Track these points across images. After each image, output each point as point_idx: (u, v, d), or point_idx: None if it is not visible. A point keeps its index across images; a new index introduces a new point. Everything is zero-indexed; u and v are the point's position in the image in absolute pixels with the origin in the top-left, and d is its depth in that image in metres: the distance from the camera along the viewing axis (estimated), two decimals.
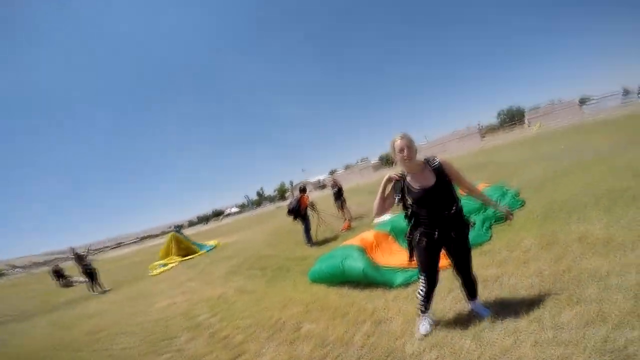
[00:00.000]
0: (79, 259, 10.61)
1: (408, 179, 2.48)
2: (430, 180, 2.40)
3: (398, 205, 2.53)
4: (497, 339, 2.32)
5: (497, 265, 3.64)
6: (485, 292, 3.08)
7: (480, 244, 4.41)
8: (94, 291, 9.54)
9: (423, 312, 2.75)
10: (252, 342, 3.40)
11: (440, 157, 2.52)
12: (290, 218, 8.56)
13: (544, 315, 2.43)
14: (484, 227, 4.91)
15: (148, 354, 3.75)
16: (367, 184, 22.78)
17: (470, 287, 2.75)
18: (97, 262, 13.93)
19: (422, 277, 2.68)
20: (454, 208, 2.42)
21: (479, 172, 11.57)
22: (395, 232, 5.08)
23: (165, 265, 11.62)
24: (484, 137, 54.40)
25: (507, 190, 6.43)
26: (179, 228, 20.72)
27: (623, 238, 3.37)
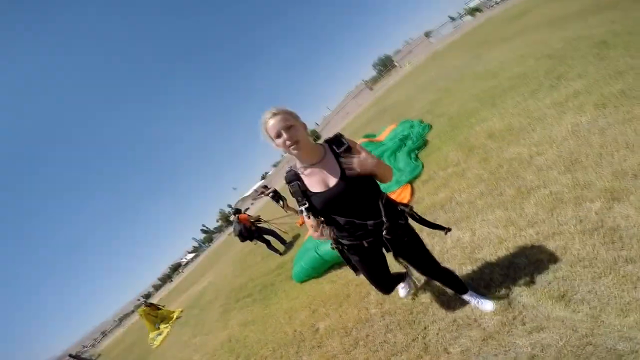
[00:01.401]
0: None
1: (303, 175, 1.42)
2: (333, 173, 1.38)
3: (306, 216, 1.40)
4: (492, 255, 2.21)
5: (443, 187, 3.58)
6: (450, 215, 3.00)
7: (418, 175, 4.36)
8: None
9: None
10: None
11: (348, 138, 1.45)
12: (247, 242, 7.45)
13: (512, 216, 2.38)
14: (412, 159, 4.83)
15: None
16: None
17: (451, 282, 1.87)
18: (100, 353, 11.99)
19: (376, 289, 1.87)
20: (381, 205, 1.44)
21: (383, 117, 11.84)
22: None
23: (160, 334, 10.43)
24: (371, 88, 56.73)
25: (412, 122, 6.54)
26: (146, 299, 18.62)
27: (519, 123, 3.55)
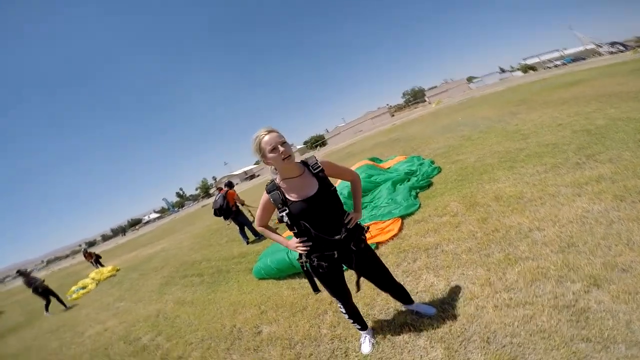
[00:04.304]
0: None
1: (283, 187, 1.80)
2: (311, 187, 1.78)
3: (283, 223, 1.83)
4: (459, 308, 2.33)
5: (433, 232, 3.73)
6: (431, 260, 3.14)
7: (412, 213, 4.50)
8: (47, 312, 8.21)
9: (361, 329, 2.35)
10: (212, 358, 3.01)
11: (320, 158, 1.89)
12: (220, 219, 7.55)
13: (492, 278, 2.50)
14: (412, 196, 4.99)
15: None
16: None
17: (400, 295, 2.31)
18: (0, 293, 12.08)
19: (338, 303, 2.20)
20: (346, 218, 1.86)
21: (395, 146, 12.19)
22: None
23: (83, 287, 10.20)
24: (393, 115, 58.15)
25: (423, 160, 6.78)
26: (89, 246, 18.81)
27: (531, 193, 3.70)
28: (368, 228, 2.06)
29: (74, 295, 9.69)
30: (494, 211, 3.63)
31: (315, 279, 2.00)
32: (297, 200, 1.76)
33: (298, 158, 1.87)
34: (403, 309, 2.52)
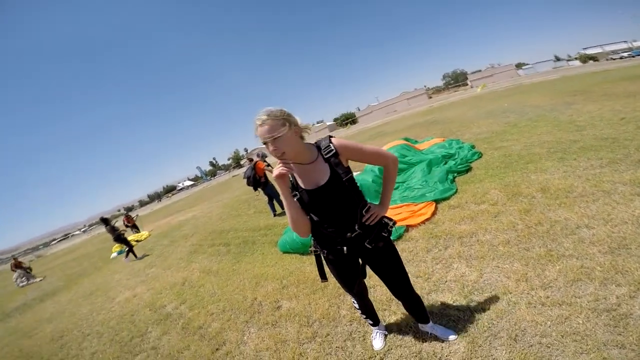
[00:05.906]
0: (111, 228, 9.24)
1: (295, 173, 1.63)
2: (322, 175, 1.57)
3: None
4: (489, 302, 2.25)
5: (469, 220, 3.62)
6: (465, 249, 3.05)
7: (448, 198, 4.39)
8: (135, 257, 8.76)
9: (373, 325, 2.27)
10: (230, 330, 3.15)
11: (335, 140, 1.60)
12: (251, 189, 7.77)
13: (529, 274, 2.40)
14: (449, 180, 4.87)
15: (121, 356, 3.43)
16: None
17: (415, 310, 2.04)
18: (46, 257, 13.29)
19: (352, 298, 2.09)
20: (366, 214, 1.66)
21: (431, 128, 11.87)
22: (362, 191, 4.84)
23: (121, 252, 10.92)
24: (430, 97, 56.53)
25: (462, 144, 6.57)
26: (128, 211, 19.95)
27: (582, 188, 3.47)
28: (394, 223, 1.80)
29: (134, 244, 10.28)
30: (539, 203, 3.45)
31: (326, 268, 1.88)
32: (305, 189, 1.60)
33: (313, 139, 1.70)
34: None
